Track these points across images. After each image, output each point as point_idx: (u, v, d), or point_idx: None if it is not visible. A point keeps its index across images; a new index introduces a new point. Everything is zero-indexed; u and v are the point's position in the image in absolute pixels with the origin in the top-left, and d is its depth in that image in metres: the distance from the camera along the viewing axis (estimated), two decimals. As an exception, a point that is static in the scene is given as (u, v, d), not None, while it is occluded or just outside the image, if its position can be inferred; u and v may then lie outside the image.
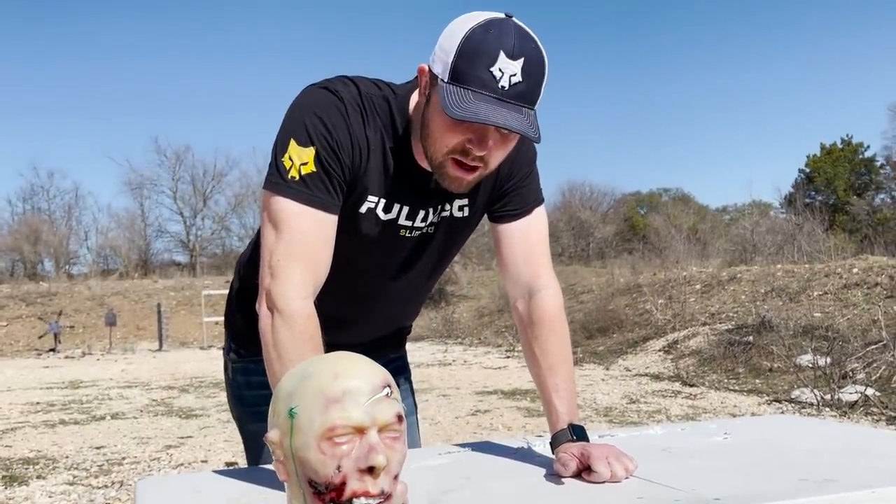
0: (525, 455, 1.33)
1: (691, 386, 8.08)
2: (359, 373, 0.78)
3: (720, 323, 11.02)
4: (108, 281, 27.90)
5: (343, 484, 0.75)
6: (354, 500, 0.75)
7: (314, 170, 1.15)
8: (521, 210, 1.36)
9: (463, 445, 1.44)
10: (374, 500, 0.76)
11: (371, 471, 0.75)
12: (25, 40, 53.52)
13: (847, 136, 34.04)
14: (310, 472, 0.76)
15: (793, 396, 6.82)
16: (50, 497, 4.15)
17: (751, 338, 9.36)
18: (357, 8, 59.64)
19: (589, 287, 17.76)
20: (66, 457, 5.30)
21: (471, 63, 1.07)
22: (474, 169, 1.16)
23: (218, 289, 23.40)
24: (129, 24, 56.26)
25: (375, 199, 1.24)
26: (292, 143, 1.15)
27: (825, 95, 60.39)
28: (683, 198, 41.93)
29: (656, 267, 18.39)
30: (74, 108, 57.62)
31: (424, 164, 1.23)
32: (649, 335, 11.72)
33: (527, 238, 1.36)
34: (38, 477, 4.65)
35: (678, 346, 10.50)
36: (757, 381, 8.02)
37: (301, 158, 1.15)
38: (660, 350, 10.68)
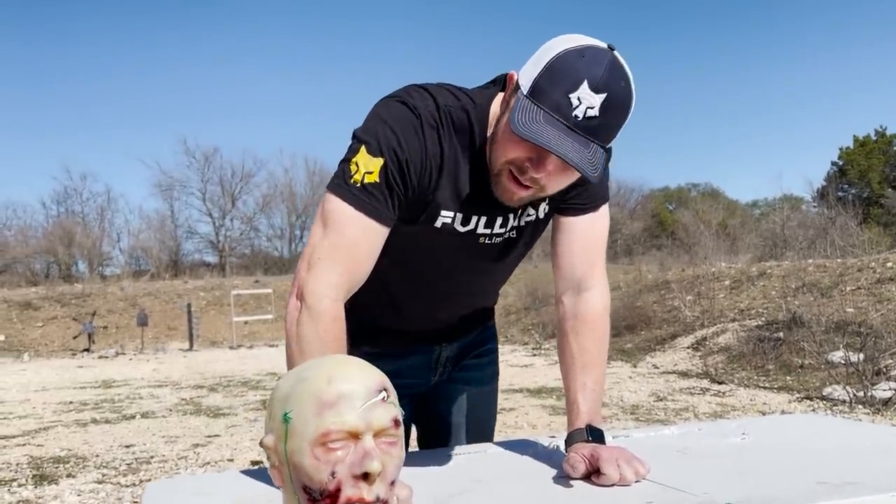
0: (540, 455, 1.31)
1: (720, 383, 7.97)
2: (354, 377, 0.77)
3: (750, 319, 10.86)
4: (140, 282, 28.31)
5: (338, 490, 0.74)
6: (350, 506, 0.74)
7: (377, 181, 1.14)
8: (589, 205, 1.33)
9: (478, 446, 1.43)
10: (369, 506, 0.74)
11: (366, 477, 0.74)
12: (56, 45, 54.48)
13: (881, 127, 33.30)
14: (304, 478, 0.75)
15: (824, 394, 6.70)
16: (79, 495, 4.21)
17: (781, 334, 9.20)
18: (385, 14, 59.78)
19: (616, 284, 17.59)
20: (96, 455, 5.37)
21: (552, 84, 1.05)
22: (528, 188, 1.14)
23: (247, 288, 23.64)
24: (158, 27, 56.97)
25: (451, 213, 1.23)
26: (363, 150, 1.15)
27: (858, 87, 59.26)
28: (712, 193, 41.42)
29: (685, 263, 18.19)
30: (105, 111, 58.50)
31: None
32: (677, 332, 11.59)
33: (588, 234, 1.34)
34: (68, 475, 4.72)
35: (707, 342, 10.37)
36: (788, 378, 7.89)
37: (367, 167, 1.14)
38: (688, 347, 10.56)
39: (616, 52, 1.08)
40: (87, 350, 19.82)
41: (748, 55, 60.19)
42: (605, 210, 1.36)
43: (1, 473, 4.88)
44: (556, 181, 1.14)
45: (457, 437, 1.53)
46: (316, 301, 1.12)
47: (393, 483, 0.77)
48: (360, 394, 0.75)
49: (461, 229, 1.25)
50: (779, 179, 72.60)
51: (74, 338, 21.47)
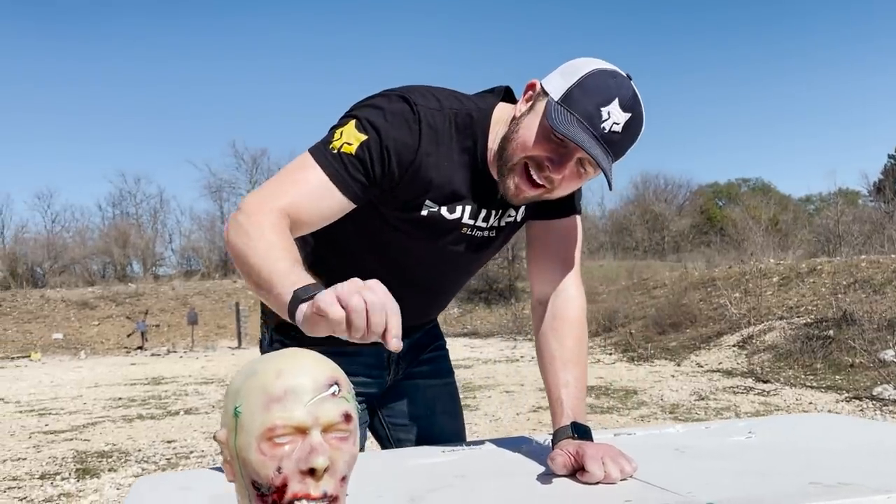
0: (530, 453, 1.29)
1: (765, 382, 7.78)
2: (303, 371, 0.76)
3: (798, 317, 10.57)
4: (191, 281, 28.96)
5: (284, 486, 0.73)
6: (296, 502, 0.73)
7: (353, 153, 1.15)
8: (566, 212, 1.36)
9: (473, 443, 1.42)
10: (316, 503, 0.73)
11: (313, 472, 0.73)
12: (111, 55, 56.04)
13: (941, 117, 32.05)
14: (252, 474, 0.74)
15: (874, 393, 6.48)
16: (118, 489, 4.32)
17: (831, 332, 8.94)
18: (433, 15, 59.90)
19: (661, 282, 17.34)
20: (139, 450, 5.50)
21: (586, 95, 1.12)
22: (538, 186, 1.18)
23: (293, 287, 23.86)
24: (207, 32, 58.15)
25: (436, 206, 1.25)
26: (351, 124, 1.17)
27: (918, 76, 57.14)
28: (764, 188, 40.52)
29: (732, 260, 17.79)
30: (158, 116, 59.97)
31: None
32: (723, 330, 11.35)
33: (566, 238, 1.37)
34: (110, 470, 4.85)
35: (753, 340, 10.13)
36: (836, 377, 7.65)
37: (349, 139, 1.16)
38: (734, 345, 10.33)
39: (633, 81, 1.16)
40: (140, 348, 20.36)
41: (802, 48, 58.67)
42: (578, 221, 1.40)
43: (46, 467, 5.03)
44: (566, 186, 1.19)
45: (425, 434, 1.52)
46: (253, 208, 1.10)
47: (344, 479, 0.76)
48: (308, 388, 0.75)
49: (448, 216, 1.27)
50: (833, 174, 70.45)
51: (128, 336, 22.07)
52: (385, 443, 1.56)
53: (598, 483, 1.06)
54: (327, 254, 1.33)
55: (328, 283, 1.30)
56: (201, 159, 69.14)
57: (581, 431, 1.17)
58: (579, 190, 1.39)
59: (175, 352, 18.80)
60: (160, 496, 1.10)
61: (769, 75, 60.07)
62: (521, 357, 12.23)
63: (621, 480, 1.07)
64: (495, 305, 22.47)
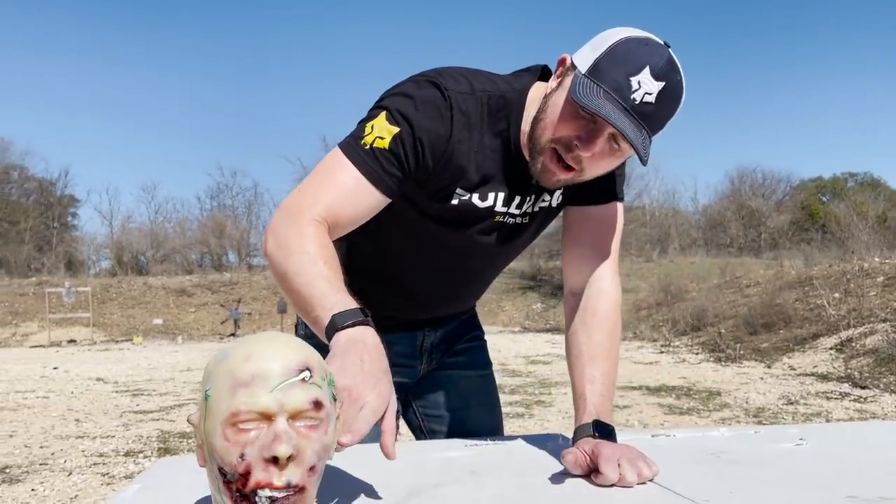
0: (556, 451, 1.22)
1: (863, 388, 7.32)
2: (273, 355, 0.73)
3: (903, 319, 9.91)
4: (282, 271, 29.75)
5: (247, 473, 0.70)
6: (259, 491, 0.71)
7: (386, 147, 1.12)
8: (602, 199, 1.29)
9: (500, 437, 1.37)
10: (279, 492, 0.71)
11: (276, 461, 0.70)
12: (209, 54, 58.33)
13: None
14: (218, 459, 0.72)
15: (984, 404, 6.00)
16: (195, 470, 4.47)
17: (939, 336, 8.34)
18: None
19: (755, 280, 16.63)
20: (219, 433, 5.69)
21: (614, 65, 1.05)
22: (570, 169, 1.12)
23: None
24: (300, 30, 59.69)
25: (468, 193, 1.21)
26: (381, 116, 1.13)
27: None
28: (873, 183, 38.28)
29: (833, 258, 16.87)
30: (254, 113, 62.04)
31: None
32: (819, 332, 10.76)
33: (601, 226, 1.30)
34: (189, 450, 5.03)
35: (852, 344, 9.56)
36: (943, 385, 7.13)
37: (381, 132, 1.12)
38: (830, 348, 9.78)
39: (671, 49, 1.08)
40: (232, 335, 21.15)
41: (917, 32, 54.97)
42: (619, 209, 1.31)
43: (132, 445, 5.27)
44: (598, 164, 1.12)
45: (460, 426, 1.48)
46: (292, 218, 1.06)
47: (313, 469, 0.73)
48: (275, 373, 0.72)
49: (480, 204, 1.22)
50: (952, 167, 65.78)
51: (222, 323, 22.96)
52: (419, 434, 1.53)
53: (612, 486, 1.00)
54: (361, 239, 1.30)
55: (361, 267, 1.31)
56: (293, 154, 71.02)
57: (603, 431, 1.10)
58: (622, 176, 1.32)
59: (265, 339, 19.39)
60: (173, 476, 1.11)
61: (882, 64, 56.66)
62: (604, 354, 11.97)
63: (638, 484, 1.00)
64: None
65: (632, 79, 1.03)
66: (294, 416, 0.72)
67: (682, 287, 18.69)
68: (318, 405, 0.73)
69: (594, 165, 1.11)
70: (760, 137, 57.30)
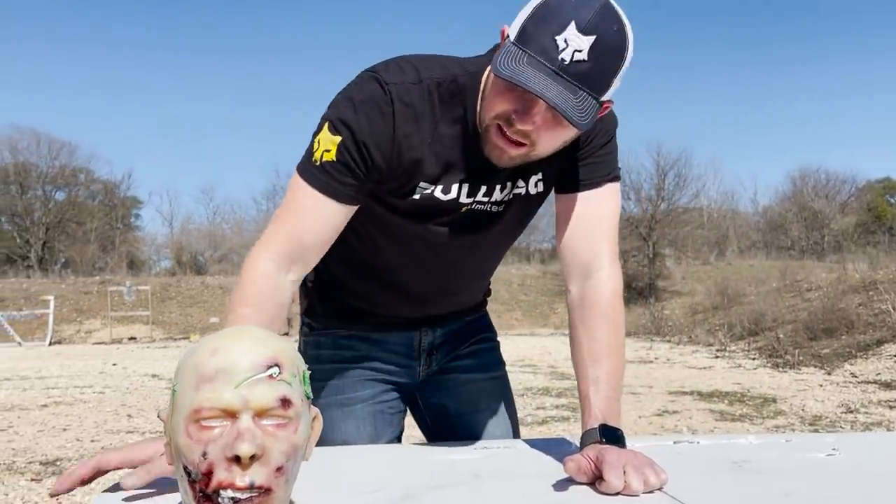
0: (561, 456, 1.17)
1: (929, 397, 7.00)
2: (240, 349, 0.70)
3: (975, 326, 9.45)
4: (335, 272, 30.11)
5: (210, 472, 0.68)
6: (221, 491, 0.68)
7: (333, 159, 1.11)
8: (590, 182, 1.22)
9: (513, 441, 1.32)
10: (242, 493, 0.67)
11: (238, 460, 0.67)
12: (264, 57, 59.49)
13: None
14: (182, 457, 0.70)
15: None
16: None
17: None
18: None
19: (816, 283, 16.09)
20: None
21: (538, 27, 0.98)
22: (518, 144, 1.06)
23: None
24: (354, 29, 60.38)
25: (430, 186, 1.17)
26: (325, 128, 1.13)
27: None
28: (944, 183, 36.66)
29: (900, 261, 16.21)
30: (308, 115, 62.98)
31: None
32: (884, 338, 10.33)
33: (591, 214, 1.22)
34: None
35: (918, 350, 9.16)
36: None
37: (326, 145, 1.12)
38: (895, 355, 9.39)
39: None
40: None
41: None
42: (611, 190, 1.23)
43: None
44: (547, 136, 1.05)
45: (469, 431, 1.42)
46: (251, 261, 1.11)
47: (281, 469, 0.70)
48: (241, 368, 0.69)
49: (443, 197, 1.18)
50: None
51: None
52: (428, 435, 1.49)
53: (616, 494, 0.94)
54: (349, 235, 1.29)
55: (352, 262, 1.31)
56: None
57: (610, 435, 1.04)
58: (611, 154, 1.24)
59: (317, 339, 19.63)
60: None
61: (954, 59, 54.23)
62: (656, 359, 11.74)
63: (645, 493, 0.94)
64: (633, 304, 21.70)
65: (557, 38, 0.96)
66: (260, 414, 0.69)
67: (739, 290, 18.20)
68: (286, 403, 0.70)
69: (543, 138, 1.05)
70: (824, 137, 55.56)
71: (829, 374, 9.10)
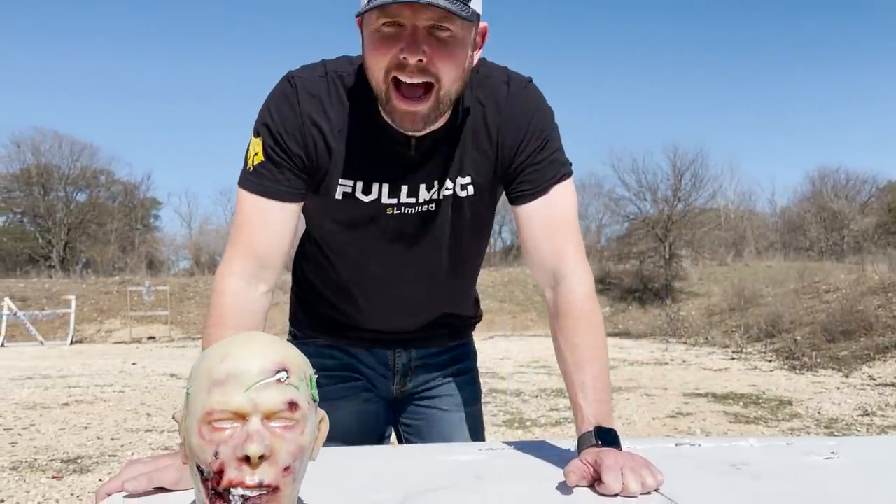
0: (565, 455, 1.20)
1: (948, 400, 6.94)
2: (249, 355, 0.74)
3: None
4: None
5: (221, 472, 0.72)
6: (232, 489, 0.72)
7: (262, 160, 1.17)
8: (539, 189, 1.22)
9: (518, 443, 1.35)
10: (252, 491, 0.71)
11: (248, 460, 0.71)
12: (284, 58, 59.86)
13: None
14: (195, 457, 0.74)
15: None
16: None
17: None
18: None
19: (835, 285, 15.97)
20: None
21: None
22: (420, 97, 1.07)
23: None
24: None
25: (350, 182, 1.20)
26: (252, 135, 1.19)
27: None
28: (969, 183, 36.15)
29: (921, 263, 16.03)
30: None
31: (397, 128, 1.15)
32: (904, 340, 10.26)
33: (549, 220, 1.22)
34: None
35: (938, 353, 9.08)
36: None
37: (255, 150, 1.18)
38: (914, 357, 9.32)
39: None
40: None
41: None
42: (562, 189, 1.23)
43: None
44: (443, 63, 1.05)
45: None
46: (218, 282, 1.16)
47: (288, 469, 0.74)
48: (250, 372, 0.73)
49: (364, 199, 1.20)
50: None
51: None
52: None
53: (615, 496, 0.97)
54: (310, 248, 1.37)
55: (316, 273, 1.38)
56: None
57: (606, 437, 1.07)
58: (557, 149, 1.24)
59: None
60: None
61: (977, 57, 53.48)
62: (671, 360, 11.71)
63: (643, 494, 0.97)
64: (650, 306, 21.64)
65: None
66: (269, 417, 0.73)
67: (756, 291, 18.10)
68: (293, 406, 0.74)
69: (441, 68, 1.05)
70: (844, 137, 55.01)
71: (847, 376, 9.05)
